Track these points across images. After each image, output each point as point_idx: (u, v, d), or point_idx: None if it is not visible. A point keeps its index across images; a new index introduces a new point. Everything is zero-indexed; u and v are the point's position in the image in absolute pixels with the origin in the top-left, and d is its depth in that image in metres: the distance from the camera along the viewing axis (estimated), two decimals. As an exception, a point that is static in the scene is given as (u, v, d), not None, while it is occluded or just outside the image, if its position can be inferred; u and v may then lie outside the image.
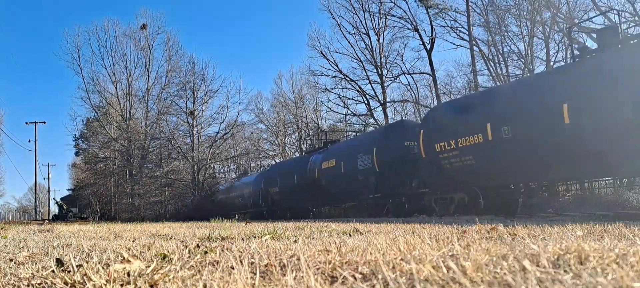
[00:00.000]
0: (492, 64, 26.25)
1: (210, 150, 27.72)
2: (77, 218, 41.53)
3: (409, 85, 33.40)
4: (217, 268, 2.12)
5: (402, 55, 32.44)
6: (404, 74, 32.59)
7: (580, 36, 23.03)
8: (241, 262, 2.15)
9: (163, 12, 49.57)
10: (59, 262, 2.57)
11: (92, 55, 32.69)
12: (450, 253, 2.17)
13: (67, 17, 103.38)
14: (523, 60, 24.64)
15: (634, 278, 1.48)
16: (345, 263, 2.07)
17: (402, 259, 2.05)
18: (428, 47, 30.10)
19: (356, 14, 32.81)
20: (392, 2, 30.95)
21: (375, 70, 32.84)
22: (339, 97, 35.68)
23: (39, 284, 2.10)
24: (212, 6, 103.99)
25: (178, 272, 2.08)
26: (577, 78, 10.72)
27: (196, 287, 1.84)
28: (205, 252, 2.91)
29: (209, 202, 27.08)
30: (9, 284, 2.15)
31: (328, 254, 2.38)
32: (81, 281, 1.99)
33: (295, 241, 3.67)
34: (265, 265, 2.19)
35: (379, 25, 32.58)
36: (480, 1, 26.67)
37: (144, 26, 32.69)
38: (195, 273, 2.08)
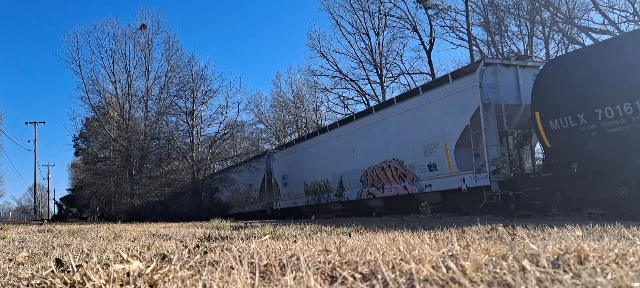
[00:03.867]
0: (492, 64, 26.26)
1: (210, 150, 27.69)
2: (77, 218, 41.53)
3: (409, 85, 33.46)
4: (216, 269, 2.12)
5: (401, 56, 32.56)
6: (404, 74, 32.67)
7: (580, 36, 23.06)
8: (241, 262, 2.15)
9: (162, 12, 49.58)
10: (59, 262, 2.56)
11: (91, 55, 32.58)
12: (449, 253, 2.17)
13: (67, 17, 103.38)
14: (522, 60, 24.64)
15: (633, 278, 1.48)
16: (345, 263, 2.07)
17: (401, 259, 2.05)
18: (427, 47, 30.15)
19: (356, 14, 32.90)
20: (391, 2, 31.02)
21: (374, 70, 32.92)
22: (339, 97, 35.76)
23: (38, 284, 2.09)
24: (211, 5, 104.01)
25: (177, 272, 2.07)
26: None
27: (196, 287, 1.84)
28: (205, 252, 2.91)
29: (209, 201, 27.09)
30: (8, 284, 2.15)
31: (328, 254, 2.38)
32: (81, 281, 1.99)
33: (295, 241, 3.66)
34: (265, 265, 2.19)
35: (378, 25, 32.65)
36: (480, 1, 26.71)
37: (143, 26, 32.65)
38: (194, 273, 2.08)
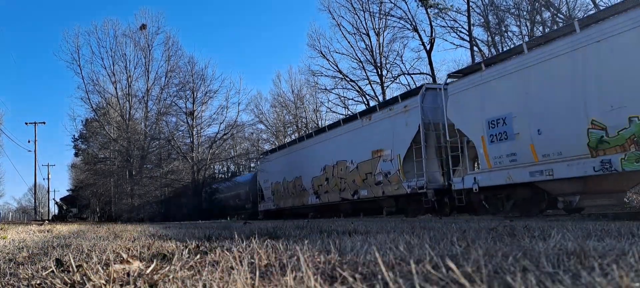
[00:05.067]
0: (492, 64, 26.29)
1: (210, 151, 27.75)
2: (77, 218, 41.54)
3: (409, 85, 33.47)
4: (216, 269, 2.12)
5: (401, 56, 32.74)
6: (404, 74, 32.70)
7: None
8: (241, 262, 2.15)
9: (163, 12, 49.59)
10: (59, 262, 2.56)
11: (91, 55, 32.64)
12: (449, 253, 2.17)
13: (67, 18, 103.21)
14: (523, 61, 24.65)
15: (633, 278, 1.47)
16: (345, 263, 2.07)
17: (401, 259, 2.05)
18: (428, 47, 30.16)
19: (356, 14, 32.95)
20: (392, 2, 31.04)
21: (375, 71, 32.98)
22: (339, 97, 35.78)
23: (38, 284, 2.09)
24: (211, 6, 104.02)
25: (177, 272, 2.07)
26: None
27: (196, 287, 1.84)
28: (205, 252, 2.91)
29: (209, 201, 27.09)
30: (8, 284, 2.15)
31: (328, 254, 2.38)
32: (81, 281, 1.99)
33: (295, 241, 3.66)
34: (265, 265, 2.19)
35: (378, 25, 32.69)
36: (480, 1, 26.74)
37: (143, 26, 32.68)
38: (194, 274, 2.08)
